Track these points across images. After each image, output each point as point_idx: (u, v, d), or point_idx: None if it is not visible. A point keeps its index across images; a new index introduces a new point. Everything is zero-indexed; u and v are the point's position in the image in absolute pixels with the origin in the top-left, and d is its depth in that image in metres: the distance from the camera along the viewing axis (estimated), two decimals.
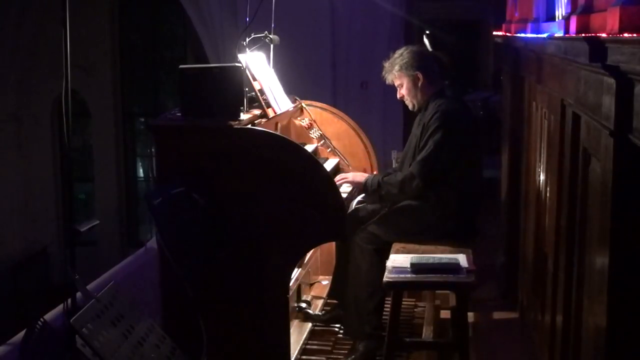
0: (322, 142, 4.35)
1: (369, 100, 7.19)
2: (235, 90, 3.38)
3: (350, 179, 3.89)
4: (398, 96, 3.90)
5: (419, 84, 3.78)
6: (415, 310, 4.42)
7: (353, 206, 4.02)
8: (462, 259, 3.37)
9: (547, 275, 3.44)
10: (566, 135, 2.95)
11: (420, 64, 3.78)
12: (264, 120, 3.62)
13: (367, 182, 3.80)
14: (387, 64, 3.85)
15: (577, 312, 2.68)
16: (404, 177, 3.66)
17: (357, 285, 3.73)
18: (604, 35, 2.05)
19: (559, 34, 3.23)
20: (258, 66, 3.85)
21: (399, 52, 3.85)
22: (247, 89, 3.55)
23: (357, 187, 3.93)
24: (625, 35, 1.89)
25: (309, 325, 4.09)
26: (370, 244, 3.70)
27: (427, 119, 3.69)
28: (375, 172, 4.32)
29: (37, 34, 11.77)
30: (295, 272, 3.88)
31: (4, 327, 6.32)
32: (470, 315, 4.35)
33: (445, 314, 4.20)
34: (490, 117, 9.98)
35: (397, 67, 3.79)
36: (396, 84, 3.86)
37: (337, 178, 3.85)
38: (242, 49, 3.75)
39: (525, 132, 4.49)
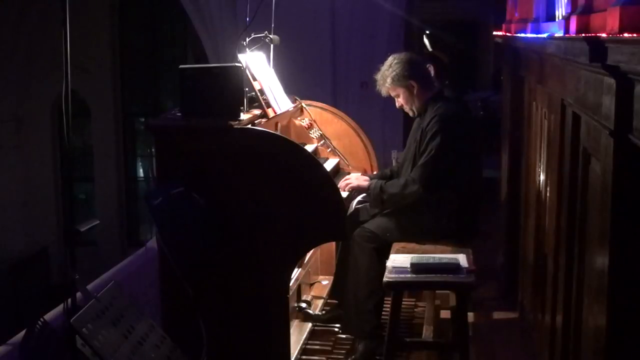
0: (322, 142, 4.35)
1: (369, 100, 7.16)
2: (235, 90, 3.37)
3: (354, 184, 3.89)
4: (397, 105, 3.91)
5: (414, 92, 3.79)
6: (415, 310, 4.42)
7: (353, 206, 4.02)
8: (462, 259, 3.37)
9: (547, 275, 3.44)
10: (566, 135, 2.95)
11: (411, 72, 3.77)
12: (264, 120, 3.62)
13: (370, 187, 3.81)
14: (378, 77, 3.84)
15: (577, 312, 2.68)
16: (405, 181, 3.68)
17: (357, 284, 3.73)
18: (604, 35, 2.05)
19: (559, 34, 3.23)
20: (258, 66, 3.85)
21: (387, 63, 3.83)
22: (247, 89, 3.55)
23: (360, 190, 3.94)
24: (625, 35, 1.89)
25: (309, 325, 4.09)
26: (370, 243, 3.70)
27: (426, 123, 3.70)
28: (375, 172, 4.32)
29: (37, 34, 11.77)
30: (295, 272, 3.88)
31: (4, 327, 6.33)
32: (470, 315, 4.35)
33: (445, 314, 4.20)
34: (490, 117, 9.98)
35: (389, 80, 3.79)
36: (392, 95, 3.87)
37: (342, 185, 3.85)
38: (242, 49, 3.75)
39: (525, 132, 4.48)
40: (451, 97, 3.93)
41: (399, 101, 3.87)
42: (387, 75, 3.79)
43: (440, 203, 3.68)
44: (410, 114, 3.90)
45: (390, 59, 3.83)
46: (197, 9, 8.17)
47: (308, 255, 4.19)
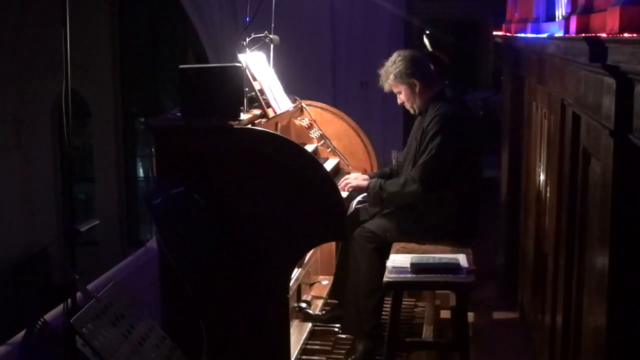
0: (322, 142, 4.35)
1: (369, 100, 7.19)
2: (235, 90, 3.37)
3: (353, 184, 3.89)
4: (398, 102, 3.91)
5: (417, 90, 3.79)
6: (415, 310, 4.42)
7: (353, 206, 4.02)
8: (462, 259, 3.37)
9: (547, 275, 3.44)
10: (566, 135, 2.95)
11: (414, 70, 3.77)
12: (264, 120, 3.62)
13: (370, 186, 3.81)
14: (382, 73, 3.84)
15: (577, 312, 2.68)
16: (405, 180, 3.67)
17: (357, 284, 3.73)
18: (604, 35, 2.05)
19: (559, 34, 3.23)
20: (258, 66, 3.85)
21: (391, 59, 3.83)
22: (247, 89, 3.55)
23: (359, 190, 3.94)
24: (625, 35, 1.89)
25: (309, 325, 4.09)
26: (370, 243, 3.70)
27: (427, 123, 3.70)
28: (375, 170, 4.32)
29: (37, 34, 11.77)
30: (295, 272, 3.88)
31: (4, 327, 6.33)
32: (470, 315, 4.34)
33: (445, 314, 4.20)
34: (490, 117, 9.98)
35: (392, 77, 3.79)
36: (394, 92, 3.87)
37: (341, 185, 3.85)
38: (242, 49, 3.75)
39: (525, 132, 4.48)
40: (452, 97, 3.92)
41: (401, 98, 3.87)
42: (390, 72, 3.79)
43: (440, 203, 3.67)
44: (412, 111, 3.91)
45: (394, 55, 3.83)
46: (197, 8, 8.18)
47: (308, 255, 4.19)
